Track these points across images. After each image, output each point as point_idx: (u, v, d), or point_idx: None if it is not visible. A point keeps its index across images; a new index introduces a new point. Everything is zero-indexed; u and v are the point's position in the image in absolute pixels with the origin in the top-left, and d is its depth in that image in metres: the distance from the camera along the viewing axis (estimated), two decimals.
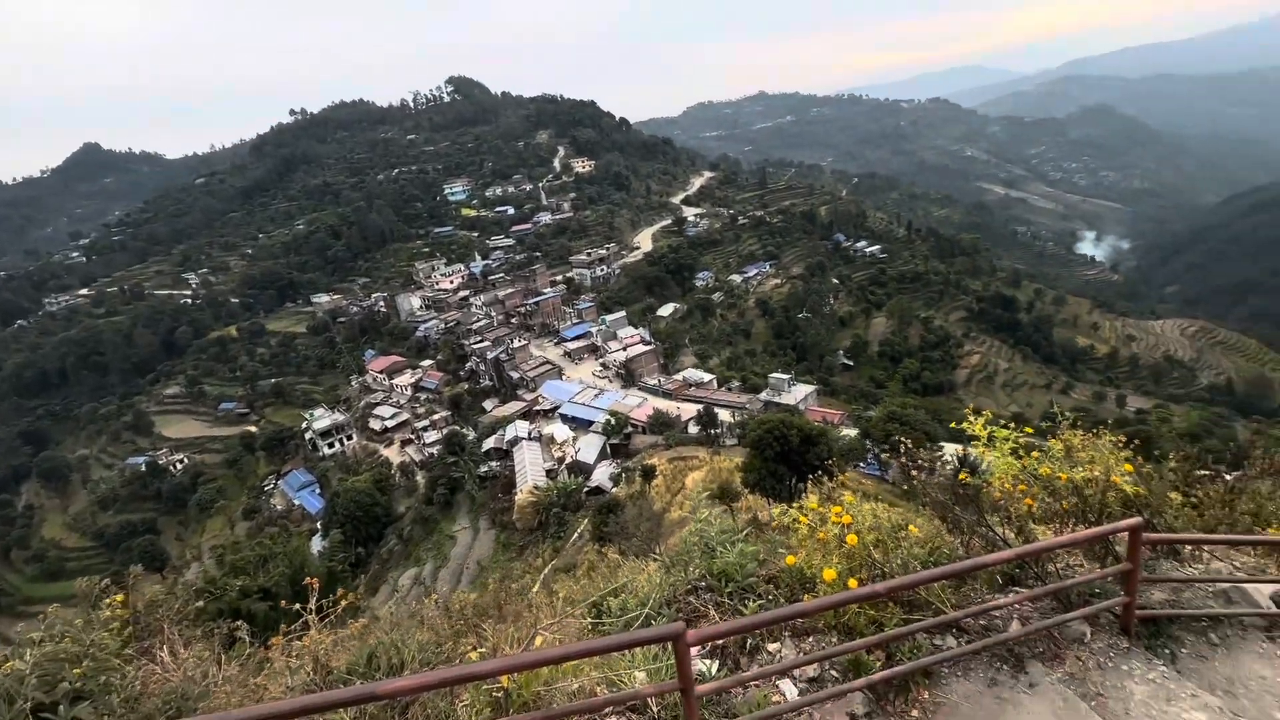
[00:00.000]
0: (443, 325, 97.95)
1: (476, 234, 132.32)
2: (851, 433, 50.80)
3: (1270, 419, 75.24)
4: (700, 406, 56.26)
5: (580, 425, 59.82)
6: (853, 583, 3.34)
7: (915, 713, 3.31)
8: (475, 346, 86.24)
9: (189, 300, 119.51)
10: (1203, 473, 7.34)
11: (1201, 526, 5.92)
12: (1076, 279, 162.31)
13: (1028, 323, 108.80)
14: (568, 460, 53.05)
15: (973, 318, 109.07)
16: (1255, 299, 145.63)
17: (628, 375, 72.91)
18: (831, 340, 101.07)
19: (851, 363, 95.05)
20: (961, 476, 4.40)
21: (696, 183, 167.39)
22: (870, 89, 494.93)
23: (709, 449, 47.24)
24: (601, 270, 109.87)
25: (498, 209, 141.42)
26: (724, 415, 55.21)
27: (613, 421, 55.86)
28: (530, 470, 49.59)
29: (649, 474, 40.23)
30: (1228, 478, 7.43)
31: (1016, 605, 3.88)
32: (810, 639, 3.65)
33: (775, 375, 68.98)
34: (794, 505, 4.24)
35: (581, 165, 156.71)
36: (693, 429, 53.76)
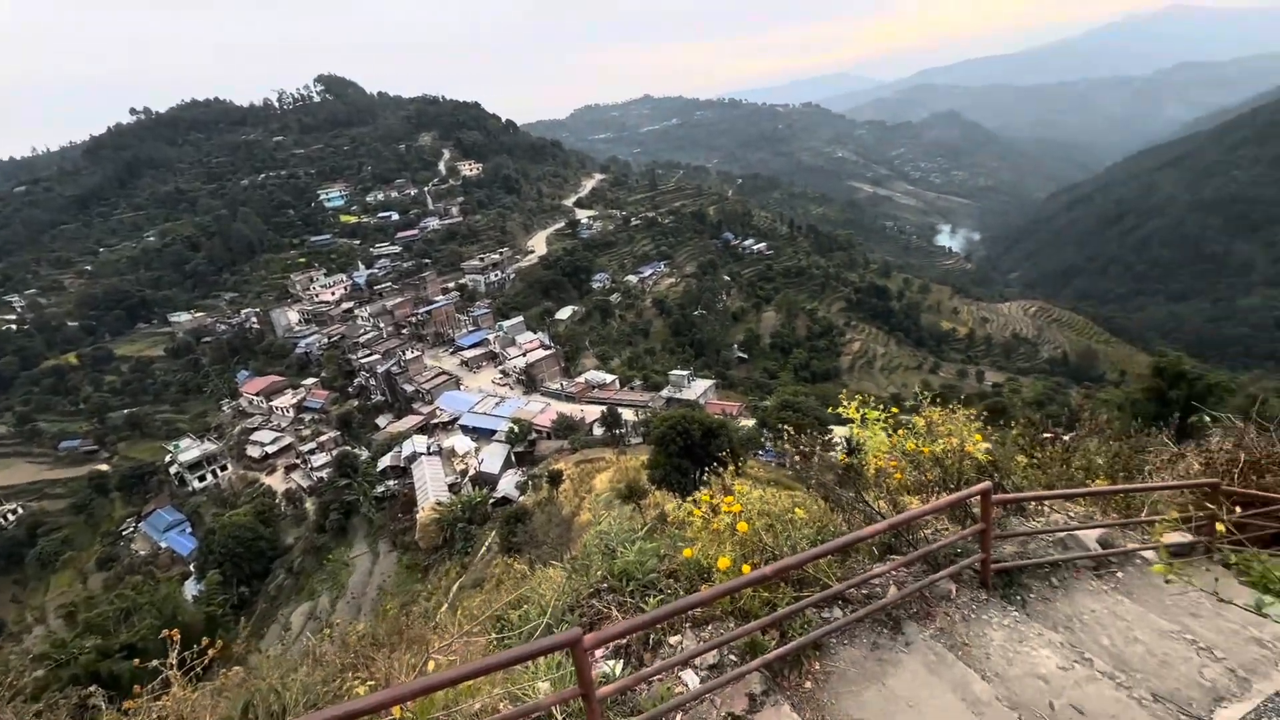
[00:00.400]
0: (326, 340, 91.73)
1: (359, 242, 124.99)
2: (750, 423, 52.97)
3: (1097, 384, 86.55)
4: (604, 408, 56.46)
5: (482, 435, 58.19)
6: (746, 568, 3.48)
7: (808, 684, 3.51)
8: (364, 360, 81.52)
9: (12, 326, 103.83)
10: (1045, 435, 8.33)
11: (1044, 483, 6.71)
12: (937, 268, 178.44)
13: (899, 310, 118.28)
14: (471, 472, 51.43)
15: (852, 308, 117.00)
16: (1079, 281, 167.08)
17: (529, 381, 71.79)
18: (726, 335, 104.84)
19: (746, 356, 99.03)
20: (841, 458, 4.71)
21: (588, 185, 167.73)
22: (748, 94, 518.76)
23: (615, 449, 47.50)
24: (496, 275, 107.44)
25: (381, 215, 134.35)
26: (628, 415, 55.76)
27: (516, 429, 54.81)
28: (431, 486, 47.59)
29: (556, 479, 39.85)
30: (1065, 438, 8.47)
31: (893, 572, 4.20)
32: (709, 627, 3.77)
33: (675, 372, 70.57)
34: (688, 499, 4.36)
35: (469, 168, 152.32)
36: (598, 430, 53.85)
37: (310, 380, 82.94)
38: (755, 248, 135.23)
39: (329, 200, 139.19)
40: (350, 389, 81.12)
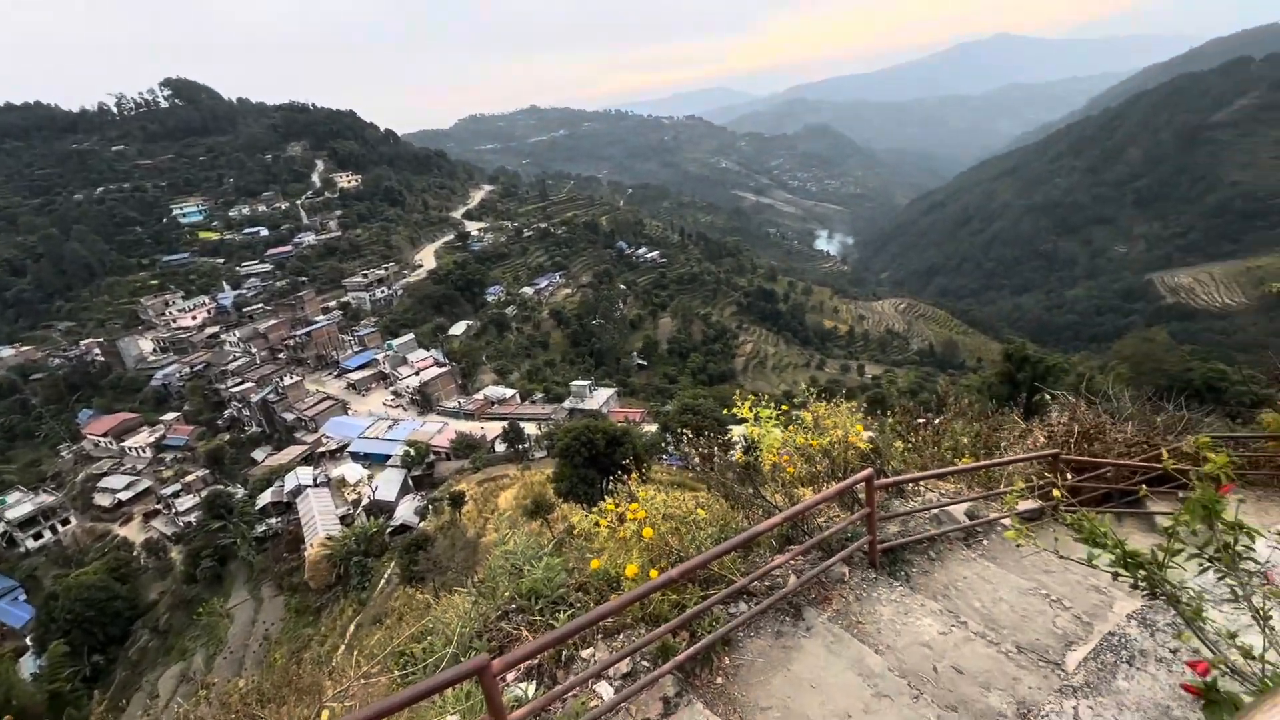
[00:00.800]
0: (187, 370, 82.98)
1: (223, 261, 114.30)
2: (653, 428, 53.72)
3: (959, 371, 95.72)
4: (505, 423, 55.16)
5: (376, 461, 54.95)
6: (654, 573, 3.53)
7: (720, 680, 3.60)
8: (235, 390, 74.50)
9: None
10: (918, 421, 9.10)
11: (919, 465, 7.32)
12: (818, 271, 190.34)
13: (786, 311, 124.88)
14: (365, 501, 48.37)
15: (743, 311, 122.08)
16: (940, 279, 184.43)
17: (424, 401, 68.72)
18: (625, 343, 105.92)
19: (645, 362, 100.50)
20: (737, 457, 4.89)
21: (477, 196, 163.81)
22: (634, 105, 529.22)
23: (519, 465, 46.51)
24: (382, 292, 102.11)
25: (247, 231, 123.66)
26: (530, 429, 54.81)
27: (412, 452, 52.25)
28: (320, 520, 44.22)
29: (458, 501, 38.40)
30: (935, 423, 9.29)
31: (792, 562, 4.42)
32: (621, 636, 3.78)
33: (576, 383, 70.27)
34: (594, 510, 4.36)
35: (346, 180, 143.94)
36: (500, 447, 52.50)
37: (171, 415, 74.56)
38: (649, 256, 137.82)
39: (185, 216, 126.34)
40: (220, 422, 73.81)
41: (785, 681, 3.58)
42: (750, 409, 5.19)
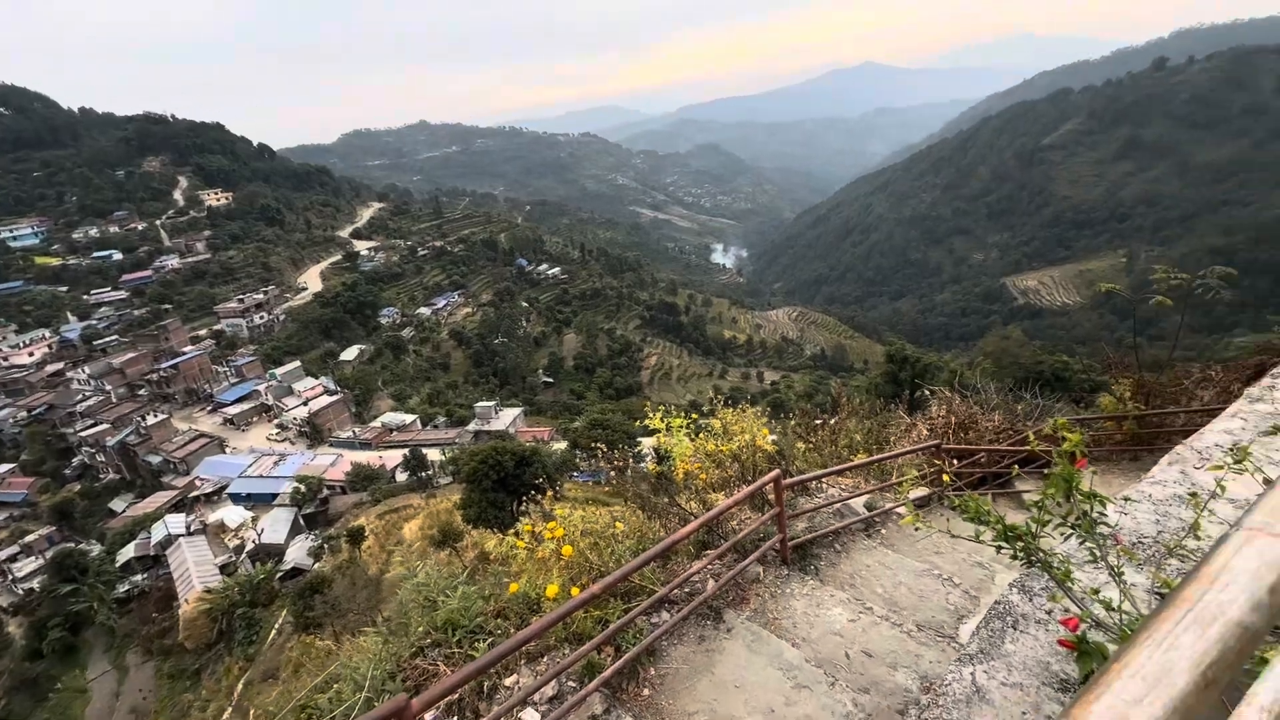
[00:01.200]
0: (24, 413, 72.64)
1: (65, 289, 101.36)
2: (562, 445, 53.13)
3: (849, 374, 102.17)
4: (406, 451, 52.56)
5: (260, 501, 50.50)
6: (575, 591, 3.49)
7: (646, 691, 3.60)
8: (85, 433, 66.09)
9: None
10: (816, 422, 9.60)
11: (820, 463, 7.73)
12: (716, 283, 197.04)
13: (688, 323, 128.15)
14: (249, 547, 44.27)
15: (646, 324, 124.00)
16: (827, 287, 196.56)
17: (314, 432, 64.14)
18: (530, 361, 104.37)
19: (551, 380, 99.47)
20: (651, 468, 4.95)
21: (365, 214, 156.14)
22: (528, 122, 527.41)
23: (423, 494, 44.40)
24: (262, 317, 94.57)
25: (96, 255, 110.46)
26: (434, 455, 52.57)
27: (303, 488, 48.51)
28: (196, 572, 39.95)
29: (357, 537, 36.06)
30: (831, 423, 9.84)
31: (709, 566, 4.52)
32: (545, 659, 3.69)
33: (481, 404, 68.35)
34: (510, 532, 4.25)
35: (215, 198, 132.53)
36: (402, 476, 49.97)
37: (3, 467, 64.90)
38: (550, 272, 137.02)
39: (16, 239, 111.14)
40: (68, 471, 65.12)
41: (710, 685, 3.64)
42: (662, 419, 5.28)
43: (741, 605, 4.31)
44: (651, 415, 5.28)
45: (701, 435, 5.22)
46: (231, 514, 48.32)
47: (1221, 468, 2.22)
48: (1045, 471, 2.59)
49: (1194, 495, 2.41)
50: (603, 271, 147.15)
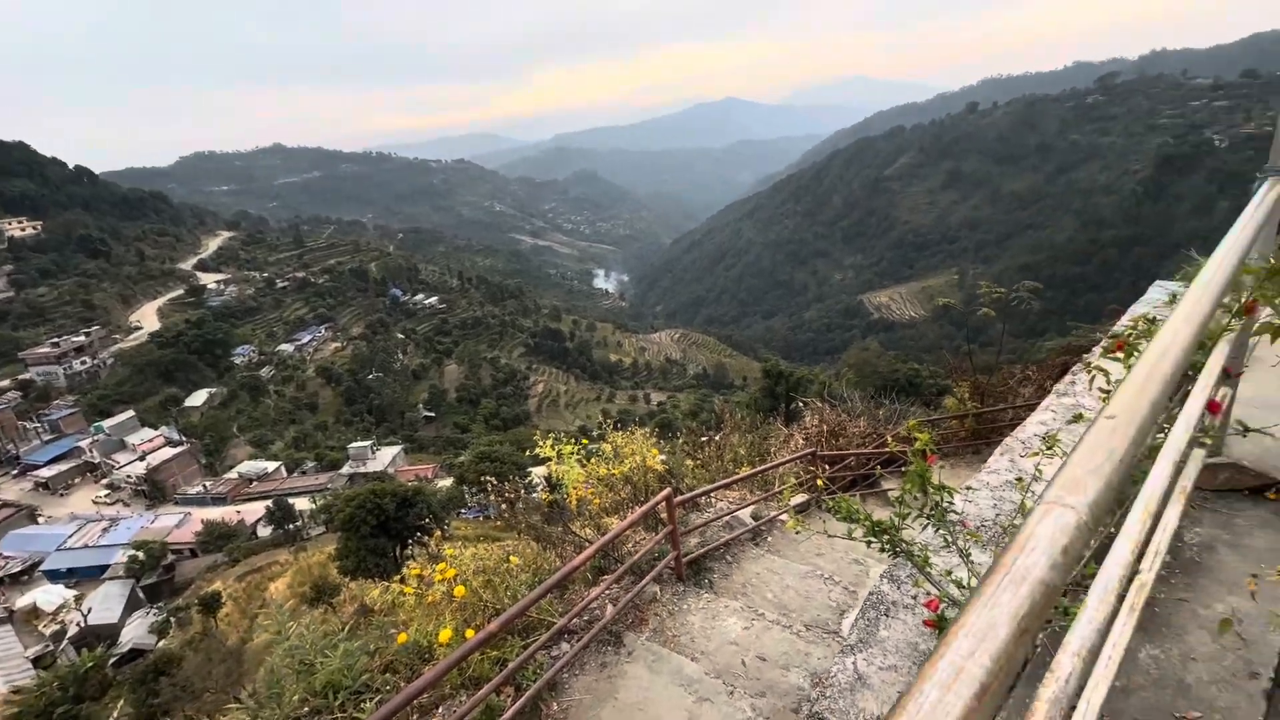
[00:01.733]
0: None
1: None
2: (448, 482, 50.75)
3: (731, 391, 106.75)
4: (269, 502, 47.75)
5: (86, 576, 43.52)
6: (470, 633, 3.34)
7: None
8: None
9: None
10: (702, 440, 9.94)
11: (708, 479, 8.00)
12: (600, 308, 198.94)
13: (573, 349, 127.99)
14: (72, 631, 37.87)
15: (531, 352, 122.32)
16: (705, 309, 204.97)
17: (155, 490, 56.59)
18: (409, 395, 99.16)
19: (433, 414, 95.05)
20: (543, 496, 4.88)
21: (213, 244, 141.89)
22: (397, 148, 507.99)
23: (291, 548, 40.41)
24: (83, 363, 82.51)
25: None
26: (303, 504, 48.23)
27: (141, 556, 42.45)
28: (0, 670, 33.51)
29: (212, 604, 32.05)
30: (716, 439, 10.23)
31: (607, 591, 4.51)
32: (441, 710, 3.49)
33: (355, 444, 63.87)
34: (395, 579, 4.00)
35: (19, 227, 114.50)
36: (265, 531, 45.32)
37: None
38: (427, 302, 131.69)
39: None
40: None
41: (614, 711, 3.62)
42: (552, 447, 5.24)
43: (641, 626, 4.33)
44: (541, 444, 5.23)
45: (592, 460, 5.23)
46: (47, 595, 41.20)
47: (1038, 454, 2.59)
48: (903, 470, 2.88)
49: (1020, 480, 2.78)
50: (483, 299, 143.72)
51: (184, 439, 65.96)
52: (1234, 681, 1.73)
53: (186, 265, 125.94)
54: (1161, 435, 1.56)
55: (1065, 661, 0.77)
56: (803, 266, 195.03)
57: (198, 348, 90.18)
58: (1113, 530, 1.38)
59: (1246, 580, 2.06)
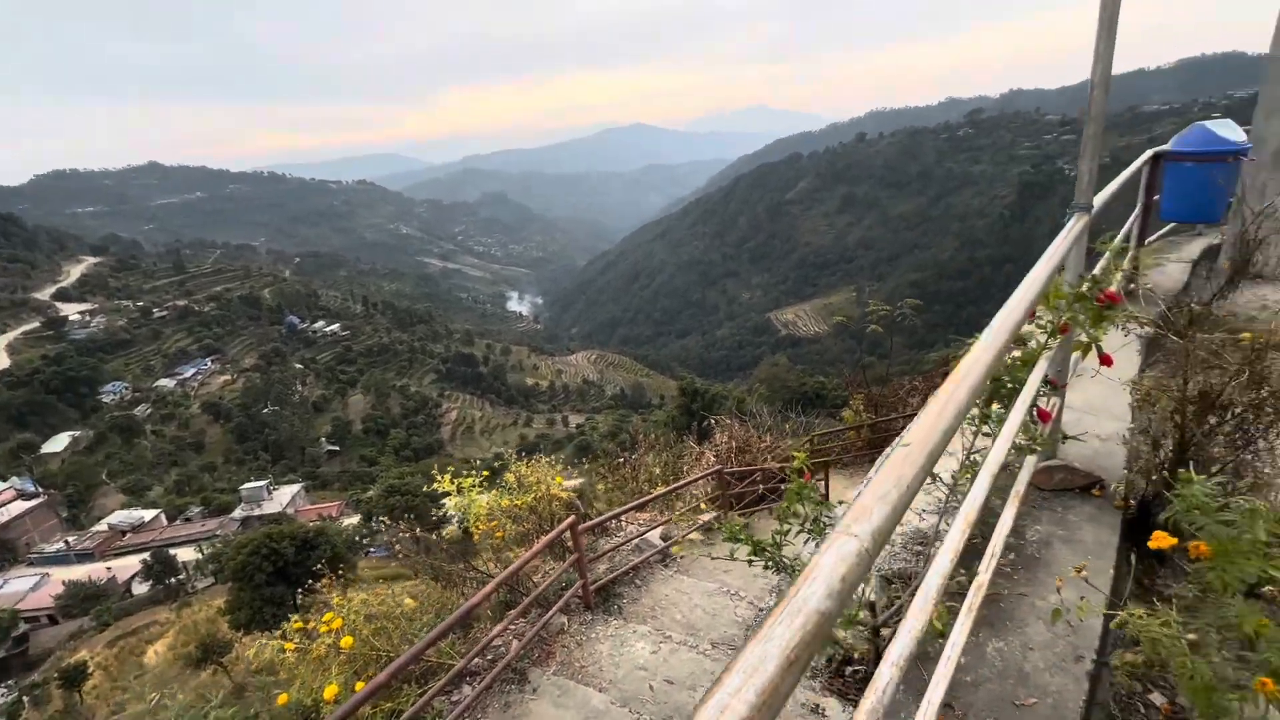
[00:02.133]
0: None
1: None
2: (354, 520, 47.85)
3: (649, 410, 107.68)
4: (146, 555, 43.09)
5: None
6: (359, 685, 3.14)
7: None
8: None
9: None
10: (619, 461, 9.94)
11: (623, 501, 8.00)
12: (514, 331, 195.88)
13: (488, 373, 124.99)
14: None
15: (443, 378, 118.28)
16: (621, 329, 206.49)
17: (3, 550, 49.70)
18: (310, 429, 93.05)
19: (338, 448, 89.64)
20: (446, 533, 4.72)
21: (75, 271, 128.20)
22: (291, 168, 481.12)
23: (173, 604, 36.59)
24: None
25: None
26: (187, 554, 43.91)
27: None
28: None
29: (75, 677, 28.36)
30: (632, 459, 10.26)
31: (511, 627, 4.39)
32: None
33: (249, 485, 59.05)
34: (275, 634, 3.71)
35: None
36: (141, 588, 40.86)
37: None
38: (329, 329, 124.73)
39: None
40: None
41: None
42: (451, 481, 5.07)
43: (547, 660, 4.24)
44: (440, 478, 5.04)
45: (495, 491, 5.11)
46: None
47: None
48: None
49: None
50: (390, 325, 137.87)
51: (40, 490, 58.52)
52: (1063, 666, 1.92)
53: (43, 295, 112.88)
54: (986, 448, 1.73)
55: (885, 672, 0.80)
56: (714, 286, 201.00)
57: (57, 386, 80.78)
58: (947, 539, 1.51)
59: (1074, 571, 2.30)
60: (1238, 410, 2.28)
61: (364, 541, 41.31)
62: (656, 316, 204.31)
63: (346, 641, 3.37)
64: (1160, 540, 1.50)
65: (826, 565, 0.65)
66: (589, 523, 4.95)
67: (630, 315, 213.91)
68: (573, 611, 4.76)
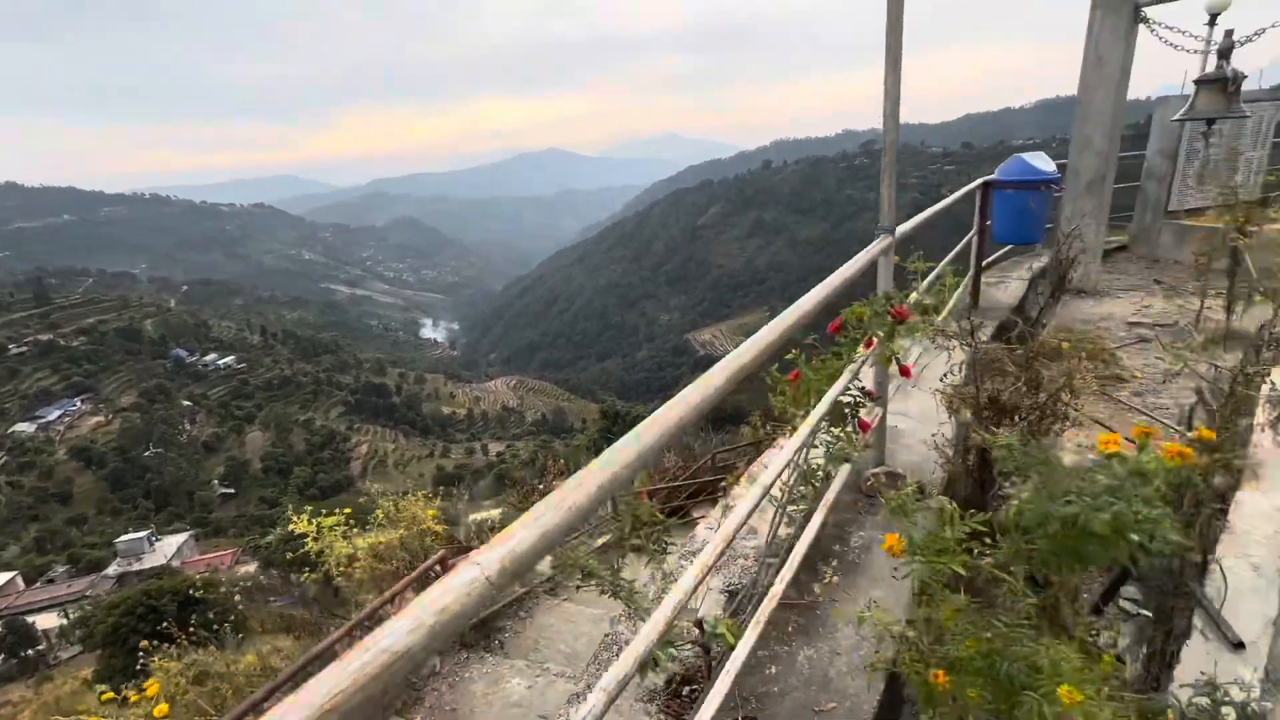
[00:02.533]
0: None
1: None
2: (252, 567, 44.13)
3: (571, 434, 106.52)
4: None
5: None
6: None
7: None
8: None
9: None
10: (536, 487, 9.70)
11: None
12: (429, 359, 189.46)
13: (401, 404, 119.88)
14: None
15: (352, 410, 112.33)
16: (541, 354, 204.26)
17: None
18: (200, 471, 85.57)
19: (233, 490, 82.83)
20: (306, 578, 4.40)
21: None
22: (178, 190, 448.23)
23: (29, 680, 32.20)
24: None
25: None
26: (49, 621, 38.99)
27: None
28: None
29: None
30: (540, 487, 10.03)
31: None
32: None
33: (125, 538, 53.34)
34: (78, 710, 3.29)
35: None
36: None
37: None
38: (222, 362, 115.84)
39: None
40: None
41: None
42: (309, 522, 4.75)
43: (415, 707, 4.01)
44: (297, 520, 4.72)
45: (355, 531, 4.84)
46: None
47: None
48: (713, 497, 3.01)
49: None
50: (293, 356, 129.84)
51: None
52: (863, 669, 1.99)
53: None
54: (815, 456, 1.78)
55: (591, 698, 0.81)
56: (632, 309, 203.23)
57: None
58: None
59: (889, 574, 2.41)
60: (1022, 414, 2.49)
61: (263, 590, 38.10)
62: (576, 340, 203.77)
63: (161, 710, 3.03)
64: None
65: (429, 598, 0.58)
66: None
67: (549, 339, 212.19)
68: (447, 652, 4.54)
